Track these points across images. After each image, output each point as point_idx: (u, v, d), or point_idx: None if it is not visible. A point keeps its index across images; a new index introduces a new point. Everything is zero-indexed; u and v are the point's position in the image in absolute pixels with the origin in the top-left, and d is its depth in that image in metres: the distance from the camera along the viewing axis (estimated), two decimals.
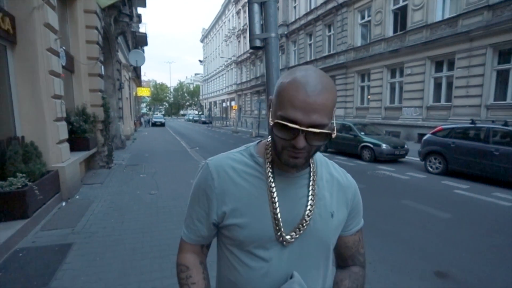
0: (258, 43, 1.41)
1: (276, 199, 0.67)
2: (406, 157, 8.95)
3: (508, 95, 9.65)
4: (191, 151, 10.60)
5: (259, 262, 0.67)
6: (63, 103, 4.82)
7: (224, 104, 42.56)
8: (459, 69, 10.91)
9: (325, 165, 0.77)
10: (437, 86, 12.24)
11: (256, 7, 1.39)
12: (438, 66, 12.09)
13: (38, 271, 2.48)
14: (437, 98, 12.22)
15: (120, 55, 11.73)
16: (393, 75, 14.35)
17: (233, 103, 37.16)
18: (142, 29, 19.05)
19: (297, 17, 21.78)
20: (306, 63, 21.06)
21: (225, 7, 38.96)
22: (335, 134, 0.60)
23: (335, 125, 0.63)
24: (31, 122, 4.08)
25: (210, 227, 0.73)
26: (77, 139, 5.80)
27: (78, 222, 3.57)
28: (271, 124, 0.60)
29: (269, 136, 0.69)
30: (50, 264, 2.58)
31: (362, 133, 9.52)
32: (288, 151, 0.60)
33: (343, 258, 0.81)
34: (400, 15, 13.52)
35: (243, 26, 31.87)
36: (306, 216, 0.67)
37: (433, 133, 7.37)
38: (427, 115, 12.42)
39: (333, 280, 0.76)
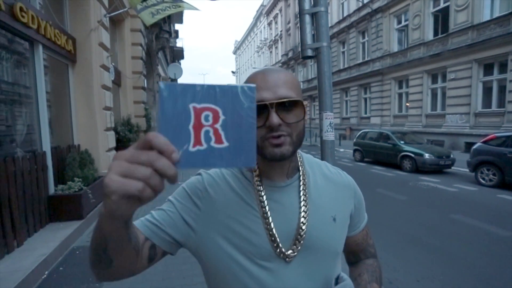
0: (309, 52, 1.44)
1: (269, 213, 0.61)
2: (453, 167, 8.26)
3: None
4: None
5: (264, 275, 0.60)
6: (112, 114, 5.25)
7: None
8: None
9: (317, 167, 0.72)
10: (487, 90, 11.24)
11: (307, 18, 1.42)
12: (488, 69, 11.12)
13: None
14: (487, 103, 11.21)
15: (159, 69, 12.53)
16: (434, 81, 13.50)
17: None
18: (179, 43, 20.20)
19: (329, 25, 21.60)
20: (340, 71, 20.69)
21: (256, 19, 39.98)
22: (308, 108, 0.60)
23: (307, 109, 0.62)
24: (86, 132, 4.50)
25: (180, 229, 0.63)
26: (122, 148, 6.25)
27: None
28: None
29: None
30: None
31: (402, 142, 8.99)
32: (269, 141, 0.57)
33: (355, 254, 0.79)
34: (441, 17, 12.78)
35: (274, 37, 32.35)
36: (301, 225, 0.62)
37: (485, 142, 6.73)
38: (475, 123, 11.42)
39: (350, 277, 0.70)
